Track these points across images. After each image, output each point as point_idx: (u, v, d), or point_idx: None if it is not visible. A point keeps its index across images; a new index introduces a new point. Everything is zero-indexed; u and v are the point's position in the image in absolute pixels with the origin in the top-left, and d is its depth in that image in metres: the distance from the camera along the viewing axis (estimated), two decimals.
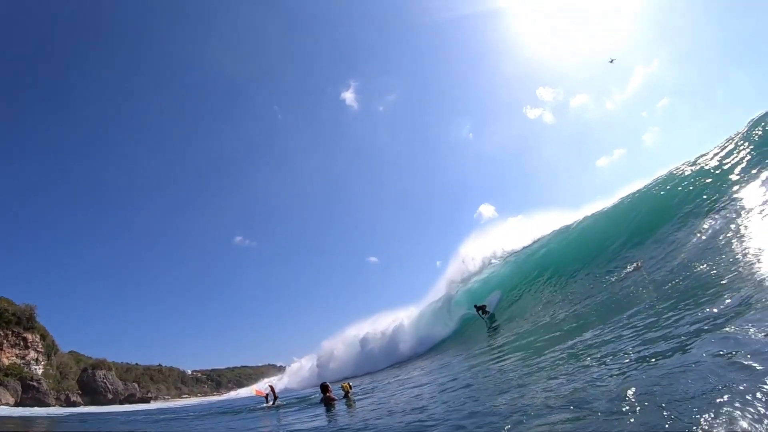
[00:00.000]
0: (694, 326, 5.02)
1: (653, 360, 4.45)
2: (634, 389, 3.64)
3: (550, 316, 11.86)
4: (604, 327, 7.33)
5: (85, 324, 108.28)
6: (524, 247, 21.63)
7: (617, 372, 4.49)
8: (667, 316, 6.13)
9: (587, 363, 5.48)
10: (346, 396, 9.50)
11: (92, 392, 61.12)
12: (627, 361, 4.82)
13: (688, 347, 4.36)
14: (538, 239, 21.18)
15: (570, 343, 7.30)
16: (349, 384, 10.19)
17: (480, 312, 17.75)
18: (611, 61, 39.79)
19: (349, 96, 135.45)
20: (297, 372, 38.97)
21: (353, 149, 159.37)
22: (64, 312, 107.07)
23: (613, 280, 11.67)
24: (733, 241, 8.56)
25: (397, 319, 25.67)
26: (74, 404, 54.52)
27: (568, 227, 19.78)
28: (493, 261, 22.73)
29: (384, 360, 23.07)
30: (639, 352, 5.00)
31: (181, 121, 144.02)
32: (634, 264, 11.49)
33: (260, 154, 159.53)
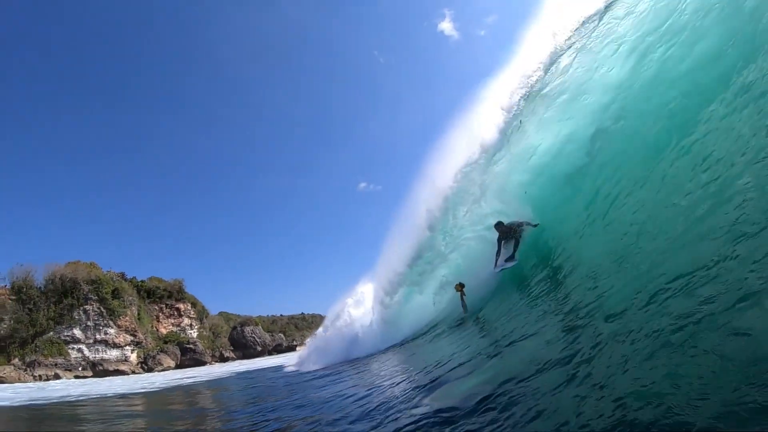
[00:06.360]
0: None
1: None
2: None
3: None
4: None
5: (230, 288, 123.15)
6: None
7: None
8: None
9: None
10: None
11: (242, 347, 66.19)
12: None
13: None
14: None
15: None
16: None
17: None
18: None
19: (447, 26, 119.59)
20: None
21: (460, 80, 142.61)
22: (210, 280, 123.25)
23: None
24: None
25: None
26: (227, 359, 59.22)
27: None
28: None
29: None
30: None
31: (287, 88, 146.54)
32: None
33: (370, 102, 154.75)
